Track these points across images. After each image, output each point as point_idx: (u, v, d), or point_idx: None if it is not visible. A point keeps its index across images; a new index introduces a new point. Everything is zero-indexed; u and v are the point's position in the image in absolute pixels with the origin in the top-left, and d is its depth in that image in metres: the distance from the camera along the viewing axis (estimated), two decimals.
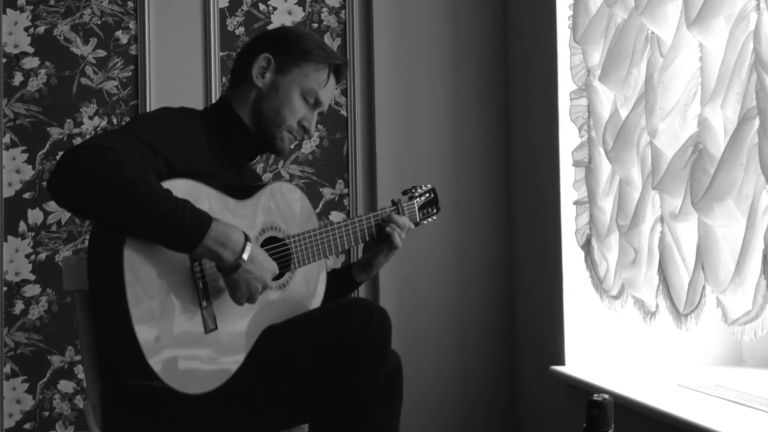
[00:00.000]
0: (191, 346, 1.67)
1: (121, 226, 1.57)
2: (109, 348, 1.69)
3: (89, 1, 3.03)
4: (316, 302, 1.94)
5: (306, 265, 1.90)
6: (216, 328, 1.70)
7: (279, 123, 1.89)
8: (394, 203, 2.08)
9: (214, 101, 3.00)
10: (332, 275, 2.07)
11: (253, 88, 1.88)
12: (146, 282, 1.60)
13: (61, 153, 2.97)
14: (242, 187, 1.87)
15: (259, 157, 3.03)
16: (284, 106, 1.88)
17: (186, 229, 1.57)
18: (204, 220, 1.59)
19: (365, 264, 2.07)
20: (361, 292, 3.05)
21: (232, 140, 1.88)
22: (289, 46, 1.89)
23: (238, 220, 1.77)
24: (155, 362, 1.59)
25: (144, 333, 1.58)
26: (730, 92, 1.75)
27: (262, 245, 1.82)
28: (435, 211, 2.18)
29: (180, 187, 1.65)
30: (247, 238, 1.65)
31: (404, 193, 2.14)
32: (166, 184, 1.62)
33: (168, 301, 1.64)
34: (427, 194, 2.16)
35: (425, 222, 2.17)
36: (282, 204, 1.89)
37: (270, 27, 3.09)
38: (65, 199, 1.56)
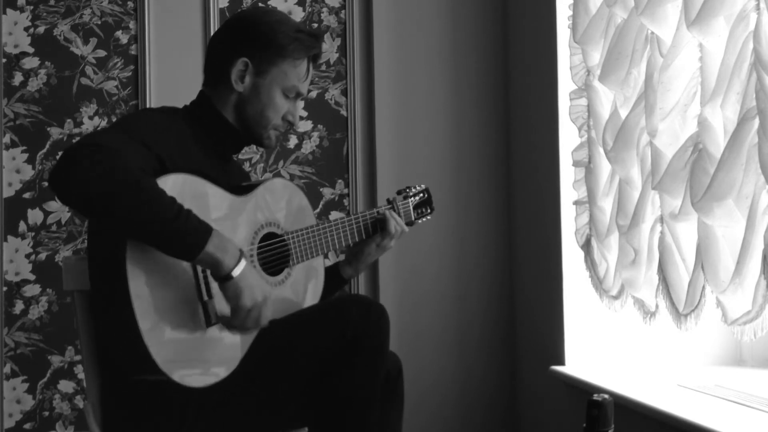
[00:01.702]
0: (193, 340, 1.67)
1: (122, 227, 1.57)
2: (111, 343, 1.69)
3: (89, 1, 3.03)
4: (314, 299, 1.95)
5: (304, 262, 1.90)
6: (218, 322, 1.70)
7: (264, 124, 1.88)
8: (389, 202, 2.09)
9: None
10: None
11: (233, 92, 1.86)
12: (148, 276, 1.61)
13: (61, 153, 2.98)
14: (240, 184, 1.87)
15: (259, 156, 3.03)
16: (267, 108, 1.87)
17: (187, 237, 1.57)
18: (205, 229, 1.59)
19: (353, 259, 2.06)
20: (361, 291, 3.05)
21: (219, 138, 1.88)
22: (264, 45, 1.84)
23: (238, 216, 1.77)
24: (157, 355, 1.60)
25: (146, 327, 1.59)
26: (730, 92, 1.75)
27: (261, 241, 1.83)
28: (429, 211, 2.19)
29: (179, 182, 1.65)
30: (242, 254, 1.64)
31: (399, 192, 2.14)
32: (171, 178, 1.63)
33: (170, 295, 1.64)
34: (421, 194, 2.17)
35: (419, 222, 2.17)
36: (280, 200, 1.90)
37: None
38: (70, 197, 1.55)
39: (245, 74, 1.85)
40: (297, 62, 1.87)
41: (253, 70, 1.85)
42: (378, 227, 2.03)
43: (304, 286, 1.92)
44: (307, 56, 1.89)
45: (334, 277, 2.07)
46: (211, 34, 3.02)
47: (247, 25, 1.88)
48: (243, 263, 1.63)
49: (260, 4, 3.07)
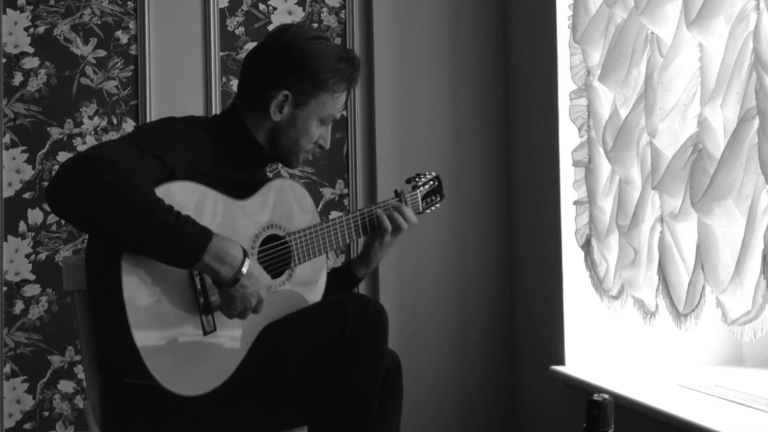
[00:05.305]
0: (189, 348, 1.66)
1: (119, 240, 1.57)
2: (107, 346, 1.69)
3: (89, 1, 3.03)
4: (316, 298, 1.94)
5: (307, 262, 1.90)
6: (215, 330, 1.70)
7: (296, 151, 1.88)
8: (397, 194, 2.05)
9: (213, 101, 3.01)
10: (333, 273, 2.06)
11: (269, 119, 1.85)
12: (144, 284, 1.60)
13: (60, 153, 2.98)
14: (245, 183, 1.86)
15: None
16: (302, 137, 1.86)
17: (185, 246, 1.56)
18: (203, 236, 1.58)
19: (363, 256, 2.04)
20: (361, 291, 3.05)
21: (246, 157, 1.87)
22: (306, 79, 1.83)
23: (239, 220, 1.77)
24: (152, 365, 1.59)
25: (141, 335, 1.58)
26: (729, 92, 1.75)
27: (263, 243, 1.82)
28: (438, 198, 2.15)
29: (180, 190, 1.65)
30: (245, 254, 1.64)
31: (408, 181, 2.12)
32: (171, 186, 1.62)
33: (166, 303, 1.63)
34: (431, 182, 2.14)
35: (428, 211, 2.15)
36: (284, 201, 1.89)
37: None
38: (64, 210, 1.55)
39: (284, 105, 1.84)
40: (336, 95, 1.86)
41: (292, 101, 1.84)
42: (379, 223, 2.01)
43: (306, 286, 1.91)
44: (347, 87, 1.89)
45: (347, 276, 2.05)
46: (211, 34, 3.03)
47: (290, 57, 1.83)
48: (247, 264, 1.63)
49: (260, 4, 3.07)
